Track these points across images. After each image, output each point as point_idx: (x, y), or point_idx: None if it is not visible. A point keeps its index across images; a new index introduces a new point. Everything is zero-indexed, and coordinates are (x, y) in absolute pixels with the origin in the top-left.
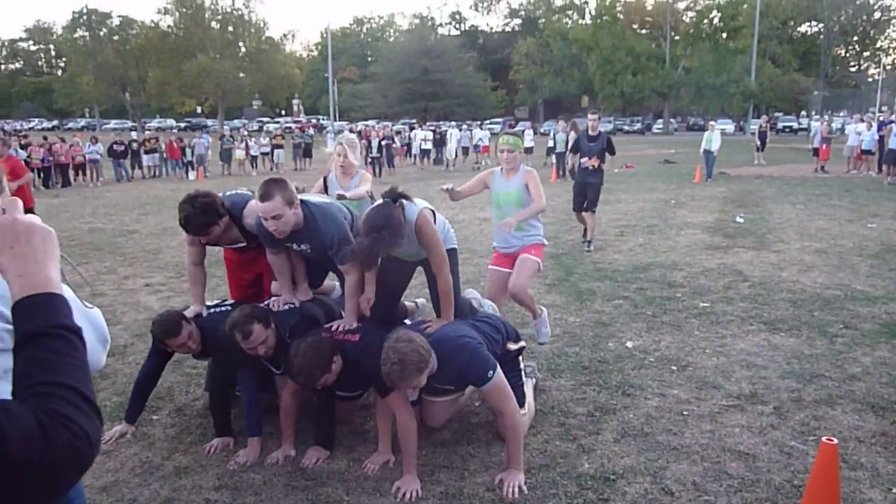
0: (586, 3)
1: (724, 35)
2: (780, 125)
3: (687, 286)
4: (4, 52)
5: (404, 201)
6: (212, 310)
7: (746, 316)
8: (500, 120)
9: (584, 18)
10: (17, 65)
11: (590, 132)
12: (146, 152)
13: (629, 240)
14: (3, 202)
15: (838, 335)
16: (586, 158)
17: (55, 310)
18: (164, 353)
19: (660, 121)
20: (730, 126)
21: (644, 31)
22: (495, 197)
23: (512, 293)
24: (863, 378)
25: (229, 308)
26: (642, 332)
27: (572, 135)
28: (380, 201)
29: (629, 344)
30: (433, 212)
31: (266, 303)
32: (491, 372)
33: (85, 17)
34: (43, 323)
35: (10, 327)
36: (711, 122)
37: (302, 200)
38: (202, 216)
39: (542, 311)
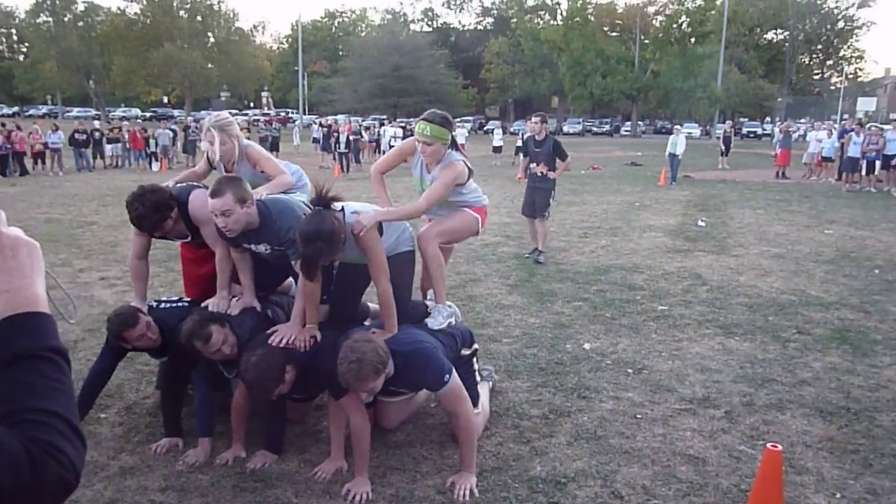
0: (558, 4)
1: (693, 40)
2: (744, 130)
3: (647, 289)
4: None
5: (343, 205)
6: (164, 305)
7: (703, 320)
8: (470, 118)
9: (555, 19)
10: None
11: (536, 137)
12: (108, 142)
13: (592, 241)
14: None
15: (791, 340)
16: (534, 164)
17: (44, 330)
18: (117, 351)
19: (628, 123)
20: (696, 130)
21: (614, 34)
22: (415, 182)
23: (421, 236)
24: (812, 383)
25: (186, 304)
26: (600, 335)
27: None
28: (313, 210)
29: (587, 346)
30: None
31: (216, 304)
32: (447, 376)
33: (49, 2)
34: (31, 344)
35: None
36: (677, 126)
37: (260, 199)
38: (153, 214)
39: (448, 305)
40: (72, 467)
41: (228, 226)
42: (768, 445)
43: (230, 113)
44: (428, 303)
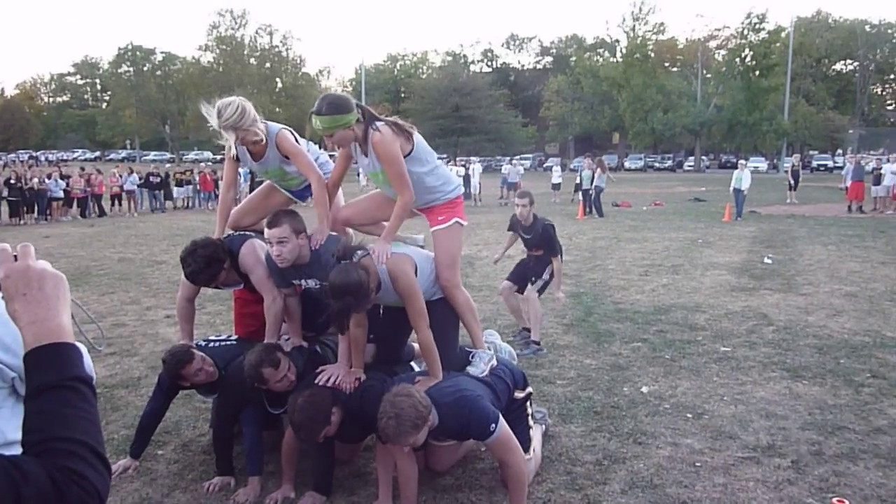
0: (617, 41)
1: (757, 73)
2: (814, 163)
3: (709, 329)
4: (53, 86)
5: (371, 246)
6: (212, 344)
7: (769, 362)
8: (530, 155)
9: (615, 56)
10: (65, 98)
11: (522, 222)
12: (177, 184)
13: (653, 280)
14: (18, 248)
15: (865, 385)
16: (529, 250)
17: (68, 360)
18: (169, 392)
19: (691, 158)
20: (763, 164)
21: (675, 69)
22: (370, 176)
23: (441, 286)
24: (889, 431)
25: (234, 343)
26: (659, 377)
27: (598, 172)
28: (340, 264)
29: (644, 389)
30: (412, 257)
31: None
32: (493, 426)
33: (130, 53)
34: (56, 375)
35: None
36: (741, 161)
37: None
38: (207, 269)
39: (489, 345)
40: (95, 493)
41: (283, 255)
42: (834, 500)
43: None
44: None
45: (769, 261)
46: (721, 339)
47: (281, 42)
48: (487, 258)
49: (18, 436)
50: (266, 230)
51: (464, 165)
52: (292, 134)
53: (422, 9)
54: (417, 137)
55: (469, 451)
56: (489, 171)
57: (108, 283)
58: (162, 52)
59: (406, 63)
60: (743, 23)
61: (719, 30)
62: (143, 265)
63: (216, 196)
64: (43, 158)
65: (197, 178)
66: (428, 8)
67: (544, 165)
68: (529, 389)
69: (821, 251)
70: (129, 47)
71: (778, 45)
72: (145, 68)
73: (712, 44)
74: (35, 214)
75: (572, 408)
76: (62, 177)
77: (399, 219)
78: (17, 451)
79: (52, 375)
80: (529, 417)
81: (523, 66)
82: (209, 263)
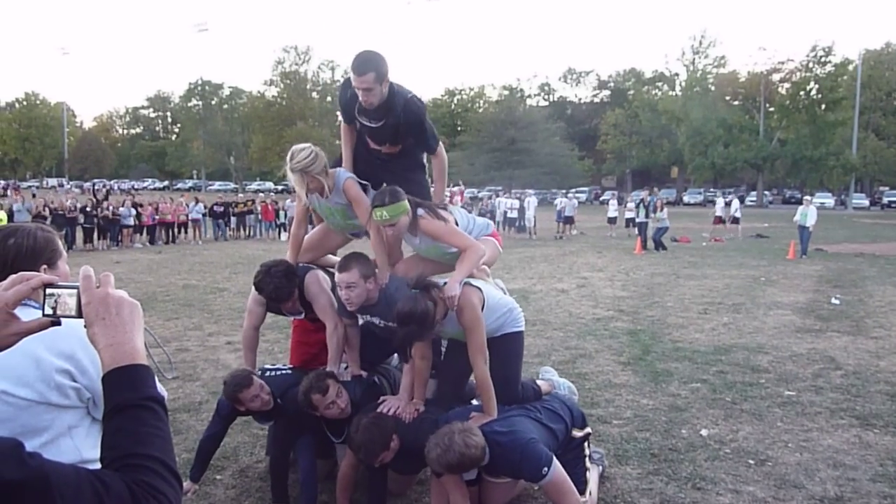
0: (677, 74)
1: (823, 107)
2: (885, 200)
3: (772, 372)
4: (127, 118)
5: (444, 282)
6: (270, 373)
7: (836, 408)
8: (585, 188)
9: (674, 90)
10: (138, 129)
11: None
12: (234, 215)
13: (713, 318)
14: (100, 276)
15: None
16: None
17: (142, 381)
18: (227, 418)
19: (753, 193)
20: (830, 200)
21: (736, 103)
22: (427, 250)
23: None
24: None
25: (288, 372)
26: (719, 420)
27: (659, 210)
28: (411, 291)
29: (704, 432)
30: (481, 291)
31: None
32: (546, 469)
33: (199, 88)
34: (132, 395)
35: (77, 385)
36: (807, 197)
37: None
38: (288, 283)
39: (546, 381)
40: None
41: (351, 299)
42: None
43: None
44: (540, 382)
45: (837, 301)
46: (785, 382)
47: (343, 76)
48: (542, 292)
49: (93, 455)
50: (336, 274)
51: (518, 198)
52: (357, 182)
53: (480, 44)
54: (452, 208)
55: (523, 489)
56: (544, 205)
57: (172, 308)
58: (229, 87)
59: (463, 97)
60: (808, 55)
61: (783, 63)
62: (207, 292)
63: (276, 226)
64: (116, 187)
65: (259, 208)
66: (486, 43)
67: (601, 199)
68: (588, 430)
69: (892, 292)
70: (199, 82)
71: (845, 77)
72: (213, 102)
73: (775, 77)
74: (108, 241)
75: (628, 449)
76: (134, 205)
77: (472, 264)
78: (92, 468)
79: (128, 395)
80: (587, 458)
81: (580, 99)
82: (288, 277)
